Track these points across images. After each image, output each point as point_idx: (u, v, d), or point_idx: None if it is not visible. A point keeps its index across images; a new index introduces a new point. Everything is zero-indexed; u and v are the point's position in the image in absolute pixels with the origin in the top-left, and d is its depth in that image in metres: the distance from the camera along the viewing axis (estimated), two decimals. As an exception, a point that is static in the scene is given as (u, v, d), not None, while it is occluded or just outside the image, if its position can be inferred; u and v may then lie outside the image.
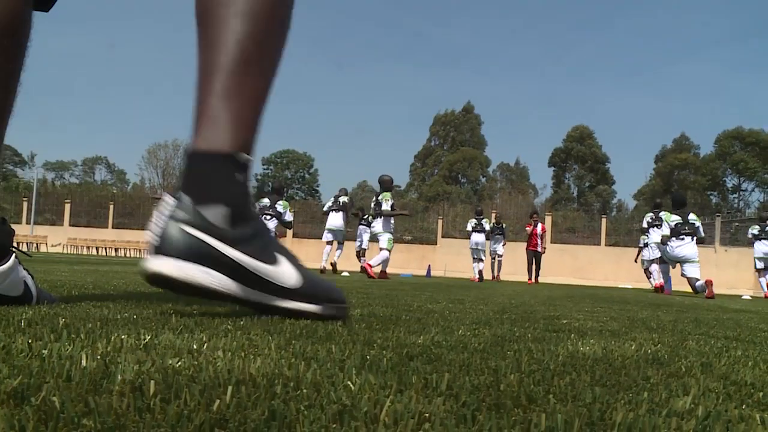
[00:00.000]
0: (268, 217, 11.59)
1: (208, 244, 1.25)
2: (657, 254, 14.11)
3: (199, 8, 1.35)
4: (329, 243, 12.62)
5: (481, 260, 15.64)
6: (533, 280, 15.39)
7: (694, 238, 9.33)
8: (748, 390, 0.80)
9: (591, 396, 0.68)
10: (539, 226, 15.73)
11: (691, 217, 9.47)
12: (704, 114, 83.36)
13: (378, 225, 10.49)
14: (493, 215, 18.55)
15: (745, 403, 0.72)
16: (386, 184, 10.60)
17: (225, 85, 1.29)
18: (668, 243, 9.44)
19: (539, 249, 15.62)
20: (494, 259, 16.64)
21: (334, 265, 12.32)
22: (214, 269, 1.25)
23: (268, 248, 1.32)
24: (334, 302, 1.38)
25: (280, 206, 11.76)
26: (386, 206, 10.27)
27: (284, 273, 1.32)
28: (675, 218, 9.48)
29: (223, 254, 1.26)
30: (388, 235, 10.37)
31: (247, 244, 1.28)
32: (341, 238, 12.91)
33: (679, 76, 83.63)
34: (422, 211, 36.20)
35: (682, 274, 9.40)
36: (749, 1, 76.03)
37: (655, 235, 14.45)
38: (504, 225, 17.05)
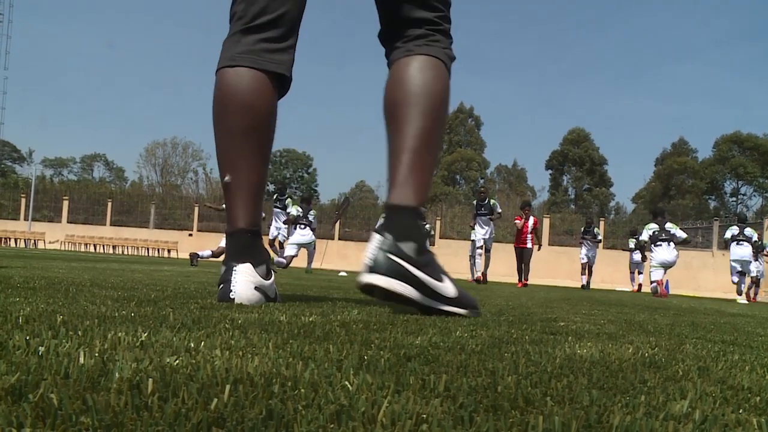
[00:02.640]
0: (303, 225, 11.92)
1: (404, 267, 1.81)
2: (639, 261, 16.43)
3: (389, 108, 1.95)
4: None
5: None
6: (523, 281, 12.84)
7: (671, 243, 10.77)
8: (745, 394, 0.81)
9: (588, 399, 0.68)
10: (531, 219, 13.08)
11: (668, 225, 10.89)
12: (703, 117, 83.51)
13: None
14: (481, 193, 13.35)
15: (742, 407, 0.72)
16: None
17: (411, 162, 1.89)
18: (651, 250, 10.96)
19: (528, 245, 12.98)
20: (481, 254, 12.83)
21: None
22: (406, 283, 1.80)
23: (437, 271, 1.87)
24: (474, 308, 1.96)
25: (311, 215, 12.18)
26: None
27: (447, 288, 1.88)
28: (653, 227, 10.99)
29: (414, 275, 1.81)
30: None
31: (426, 268, 1.84)
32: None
33: (678, 78, 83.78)
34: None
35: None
36: (749, 3, 76.23)
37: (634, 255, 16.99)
38: (494, 202, 12.82)
